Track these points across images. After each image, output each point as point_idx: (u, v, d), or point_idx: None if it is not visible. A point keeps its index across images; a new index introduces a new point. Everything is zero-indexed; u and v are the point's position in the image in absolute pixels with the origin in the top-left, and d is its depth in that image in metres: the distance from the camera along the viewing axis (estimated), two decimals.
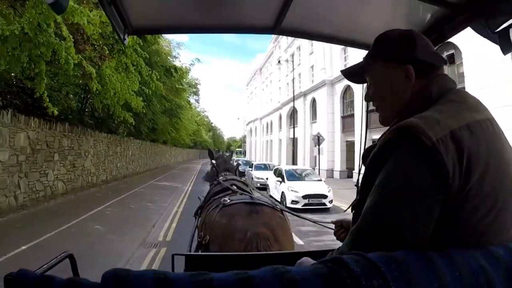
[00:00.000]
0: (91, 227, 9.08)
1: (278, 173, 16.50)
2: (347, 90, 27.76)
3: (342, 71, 1.28)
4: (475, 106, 0.91)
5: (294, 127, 34.79)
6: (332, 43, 2.39)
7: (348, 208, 1.31)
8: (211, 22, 2.12)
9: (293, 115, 37.60)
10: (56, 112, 10.77)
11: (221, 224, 2.59)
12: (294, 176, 15.60)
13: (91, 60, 12.12)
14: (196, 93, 73.83)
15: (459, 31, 1.73)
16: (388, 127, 0.97)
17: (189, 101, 55.05)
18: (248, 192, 3.21)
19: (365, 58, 1.15)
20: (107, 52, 12.70)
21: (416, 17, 1.85)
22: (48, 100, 10.37)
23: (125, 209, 12.11)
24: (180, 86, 31.12)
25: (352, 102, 26.57)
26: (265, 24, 2.09)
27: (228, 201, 2.79)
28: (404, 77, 1.01)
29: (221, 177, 3.98)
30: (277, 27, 2.06)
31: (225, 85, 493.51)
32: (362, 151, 1.14)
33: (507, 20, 1.45)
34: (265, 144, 58.29)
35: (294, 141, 35.92)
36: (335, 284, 0.59)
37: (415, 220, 0.76)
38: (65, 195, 13.74)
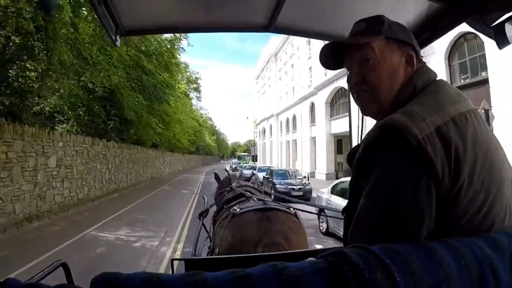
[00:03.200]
0: None
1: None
2: None
3: (322, 50, 1.10)
4: (457, 97, 0.89)
5: (349, 115, 25.03)
6: (326, 40, 2.25)
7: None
8: (205, 21, 2.09)
9: (335, 99, 26.97)
10: None
11: (230, 237, 2.52)
12: None
13: None
14: (197, 89, 65.02)
15: (454, 27, 1.74)
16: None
17: (188, 94, 45.05)
18: (261, 198, 3.06)
19: (357, 35, 1.05)
20: None
21: (411, 14, 1.83)
22: None
23: None
24: (172, 60, 21.01)
25: None
26: (260, 22, 2.09)
27: (238, 210, 2.69)
28: (402, 63, 1.00)
29: (234, 183, 4.01)
30: (271, 25, 2.06)
31: (227, 90, 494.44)
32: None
33: (502, 15, 1.45)
34: (284, 145, 47.68)
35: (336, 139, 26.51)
36: (337, 278, 0.56)
37: (409, 223, 0.74)
38: None
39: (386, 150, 0.79)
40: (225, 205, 3.31)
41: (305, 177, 19.92)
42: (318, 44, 27.80)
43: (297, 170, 22.33)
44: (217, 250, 2.57)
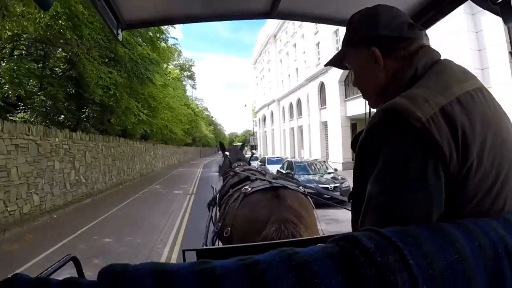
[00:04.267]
0: None
1: None
2: None
3: (326, 64, 1.26)
4: (463, 76, 0.88)
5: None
6: (329, 24, 2.29)
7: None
8: (206, 10, 2.05)
9: (350, 77, 23.04)
10: None
11: (243, 215, 2.57)
12: None
13: None
14: (191, 77, 61.48)
15: (458, 5, 1.70)
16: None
17: (180, 79, 41.12)
18: (268, 180, 3.08)
19: (342, 44, 1.12)
20: None
21: None
22: None
23: None
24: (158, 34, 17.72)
25: None
26: (261, 8, 2.05)
27: (250, 189, 2.79)
28: (372, 60, 0.99)
29: (237, 168, 4.03)
30: (273, 11, 2.02)
31: (222, 81, 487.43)
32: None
33: None
34: (288, 132, 43.76)
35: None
36: (348, 262, 0.56)
37: (420, 206, 0.73)
38: None
39: (391, 135, 0.77)
40: (230, 189, 3.31)
41: (336, 169, 15.44)
42: None
43: (324, 161, 17.43)
44: (228, 229, 2.60)
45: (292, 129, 42.43)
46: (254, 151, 49.42)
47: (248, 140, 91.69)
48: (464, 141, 0.74)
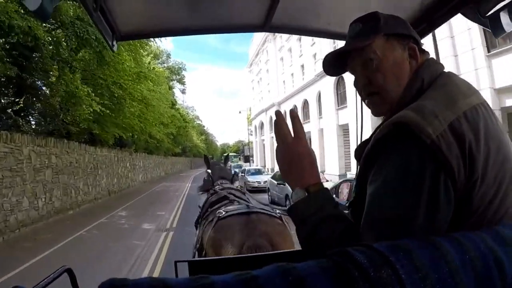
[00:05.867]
0: None
1: None
2: None
3: (324, 60, 1.10)
4: (467, 90, 0.88)
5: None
6: (322, 37, 2.35)
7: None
8: (201, 23, 2.10)
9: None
10: None
11: (216, 240, 2.56)
12: None
13: None
14: (181, 81, 56.54)
15: (449, 18, 1.76)
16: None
17: (168, 77, 35.46)
18: (245, 200, 3.28)
19: (355, 38, 1.02)
20: None
21: (406, 7, 1.81)
22: None
23: None
24: None
25: None
26: (255, 22, 2.07)
27: (223, 213, 2.75)
28: (406, 57, 0.98)
29: (217, 186, 4.02)
30: (267, 25, 2.05)
31: (214, 91, 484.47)
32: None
33: (497, 4, 1.47)
34: None
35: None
36: (343, 277, 0.57)
37: (431, 222, 0.74)
38: None
39: (400, 149, 0.77)
40: (209, 208, 3.32)
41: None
42: None
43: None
44: (204, 252, 2.64)
45: None
46: (239, 163, 44.87)
47: (241, 150, 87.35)
48: (471, 157, 0.75)
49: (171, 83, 46.24)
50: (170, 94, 29.34)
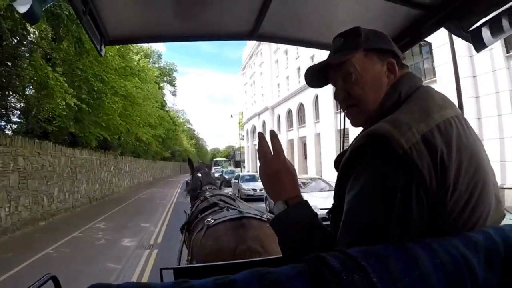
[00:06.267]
0: None
1: None
2: None
3: (306, 73, 1.17)
4: (442, 103, 0.92)
5: None
6: (309, 47, 2.39)
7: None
8: (190, 30, 2.13)
9: None
10: None
11: (207, 247, 2.56)
12: None
13: None
14: (171, 82, 55.02)
15: (433, 32, 1.82)
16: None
17: (158, 76, 33.87)
18: (235, 207, 3.21)
19: (337, 52, 1.08)
20: None
21: (391, 20, 1.87)
22: None
23: None
24: None
25: None
26: (243, 30, 2.11)
27: (212, 221, 2.77)
28: (384, 72, 1.01)
29: (207, 193, 3.99)
30: (254, 33, 2.09)
31: (205, 96, 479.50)
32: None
33: (479, 20, 1.54)
34: (285, 145, 36.41)
35: None
36: (317, 281, 0.60)
37: (402, 229, 0.76)
38: None
39: (374, 160, 0.81)
40: (199, 214, 3.33)
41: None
42: None
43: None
44: (194, 262, 2.64)
45: (291, 141, 35.54)
46: (231, 169, 43.92)
47: (232, 155, 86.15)
48: (443, 167, 0.78)
49: (161, 84, 44.64)
50: (159, 93, 27.51)
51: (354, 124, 1.08)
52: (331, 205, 1.01)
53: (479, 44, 1.56)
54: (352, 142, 0.92)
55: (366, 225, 0.79)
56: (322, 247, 0.81)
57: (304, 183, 13.78)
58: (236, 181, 20.91)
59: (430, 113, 0.86)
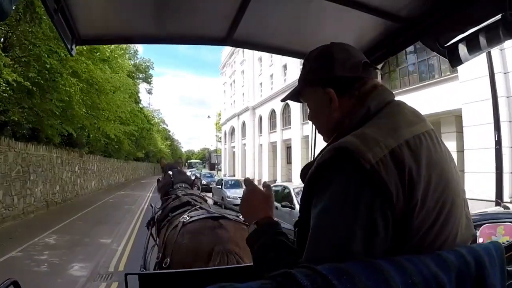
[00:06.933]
0: None
1: None
2: None
3: (283, 99, 1.33)
4: (413, 119, 0.92)
5: None
6: (282, 55, 2.44)
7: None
8: (163, 32, 2.12)
9: None
10: None
11: (183, 245, 2.49)
12: None
13: None
14: (147, 80, 52.67)
15: (410, 45, 1.88)
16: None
17: (132, 71, 31.44)
18: (208, 208, 3.12)
19: (299, 78, 1.16)
20: None
21: (366, 31, 1.89)
22: None
23: None
24: None
25: None
26: (218, 35, 2.13)
27: (188, 218, 2.71)
28: (327, 100, 1.02)
29: (179, 191, 3.84)
30: (229, 39, 2.09)
31: (180, 98, 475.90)
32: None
33: (456, 36, 1.55)
34: (266, 148, 35.18)
35: None
36: None
37: (365, 244, 0.75)
38: None
39: (340, 174, 0.80)
40: (170, 213, 3.24)
41: None
42: None
43: None
44: (168, 259, 2.52)
45: (273, 143, 33.62)
46: (208, 171, 42.56)
47: (207, 157, 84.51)
48: (411, 183, 0.77)
49: (137, 81, 42.31)
50: (132, 86, 24.85)
51: (324, 139, 1.12)
52: (298, 217, 1.01)
53: (455, 60, 1.57)
54: (318, 155, 0.91)
55: (331, 240, 0.77)
56: (282, 262, 0.90)
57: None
58: (219, 187, 18.70)
59: (399, 128, 0.85)
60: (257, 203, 1.14)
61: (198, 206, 3.11)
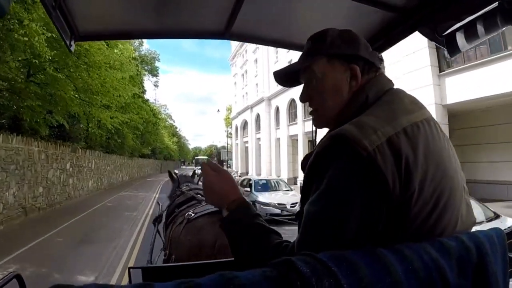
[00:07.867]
0: None
1: None
2: None
3: (274, 73, 1.23)
4: (411, 107, 0.92)
5: None
6: (282, 47, 2.39)
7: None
8: (161, 27, 2.09)
9: None
10: None
11: (187, 241, 2.56)
12: None
13: None
14: (153, 72, 49.57)
15: (407, 35, 1.81)
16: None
17: (135, 58, 28.12)
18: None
19: (303, 56, 1.10)
20: None
21: (365, 22, 1.86)
22: None
23: None
24: None
25: None
26: (215, 29, 2.08)
27: (192, 215, 2.77)
28: (347, 77, 1.00)
29: (184, 187, 3.90)
30: (227, 32, 2.06)
31: (186, 95, 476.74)
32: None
33: (454, 24, 1.52)
34: (285, 142, 31.88)
35: None
36: (285, 286, 0.59)
37: (359, 231, 0.76)
38: None
39: (337, 161, 0.80)
40: (176, 209, 3.31)
41: None
42: None
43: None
44: (173, 256, 2.59)
45: (293, 137, 30.48)
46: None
47: (215, 154, 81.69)
48: (407, 171, 0.77)
49: (143, 72, 39.51)
50: (135, 68, 21.21)
51: (316, 126, 1.11)
52: (299, 209, 1.00)
53: (452, 49, 1.56)
54: (317, 144, 0.90)
55: (325, 228, 0.78)
56: (264, 245, 0.93)
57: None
58: (248, 190, 14.42)
59: (397, 116, 0.85)
60: (219, 187, 1.08)
61: (203, 201, 3.05)
